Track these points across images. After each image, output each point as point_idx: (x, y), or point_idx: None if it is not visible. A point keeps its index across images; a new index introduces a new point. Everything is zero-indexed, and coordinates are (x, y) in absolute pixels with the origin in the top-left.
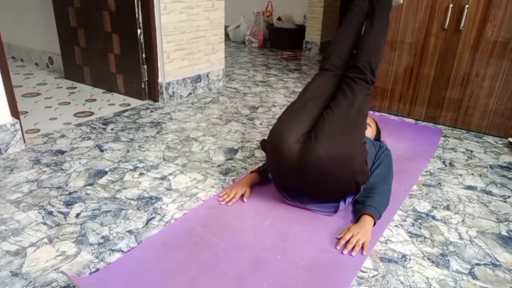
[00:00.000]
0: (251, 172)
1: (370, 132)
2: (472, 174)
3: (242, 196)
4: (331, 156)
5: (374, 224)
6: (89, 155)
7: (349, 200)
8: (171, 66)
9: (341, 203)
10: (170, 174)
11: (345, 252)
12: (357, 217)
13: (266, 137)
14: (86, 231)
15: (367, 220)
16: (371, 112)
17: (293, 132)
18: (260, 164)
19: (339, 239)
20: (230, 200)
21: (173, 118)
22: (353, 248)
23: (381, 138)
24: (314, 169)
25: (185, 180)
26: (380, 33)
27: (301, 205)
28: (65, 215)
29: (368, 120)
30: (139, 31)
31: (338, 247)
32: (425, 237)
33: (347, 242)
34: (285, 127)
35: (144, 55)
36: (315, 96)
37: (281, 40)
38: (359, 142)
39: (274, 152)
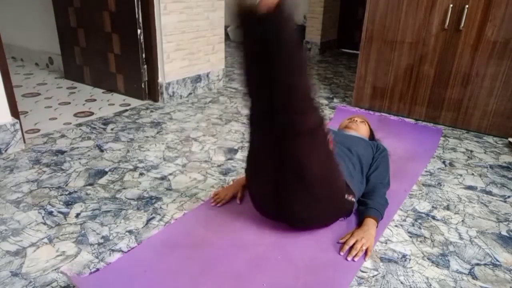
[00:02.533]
0: None
1: (364, 132)
2: (472, 174)
3: (236, 197)
4: (306, 217)
5: (377, 226)
6: (89, 155)
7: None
8: (171, 66)
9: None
10: (170, 174)
11: (349, 258)
12: (360, 220)
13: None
14: (86, 231)
15: (371, 224)
16: (371, 113)
17: (261, 195)
18: None
19: (343, 243)
20: (220, 202)
21: (173, 118)
22: (356, 254)
23: (375, 138)
24: (292, 223)
25: (185, 180)
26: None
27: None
28: (65, 215)
29: (362, 119)
30: (139, 31)
31: (342, 253)
32: (425, 237)
33: (351, 247)
34: (252, 189)
35: (144, 55)
36: (263, 164)
37: None
38: (335, 197)
39: (251, 199)
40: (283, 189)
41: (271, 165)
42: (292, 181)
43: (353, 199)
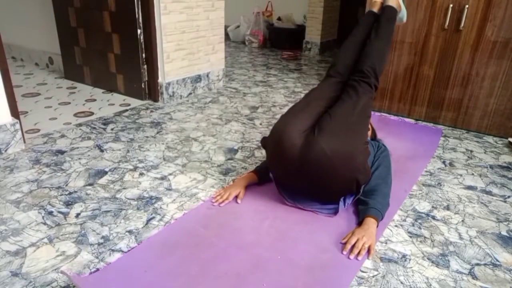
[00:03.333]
0: (249, 172)
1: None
2: (472, 174)
3: (236, 197)
4: (334, 152)
5: (377, 226)
6: (89, 155)
7: (348, 201)
8: (171, 66)
9: (341, 205)
10: (170, 174)
11: (352, 256)
12: (360, 220)
13: (267, 136)
14: (86, 231)
15: (371, 223)
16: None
17: (296, 127)
18: (259, 164)
19: (345, 243)
20: (223, 202)
21: (173, 118)
22: (359, 252)
23: (377, 137)
24: (316, 164)
25: (185, 180)
26: (385, 41)
27: (301, 207)
28: (65, 215)
29: None
30: (139, 31)
31: (345, 252)
32: (425, 237)
33: (353, 246)
34: (288, 122)
35: (144, 55)
36: (319, 97)
37: (281, 40)
38: (361, 141)
39: (276, 147)
40: (324, 120)
41: (323, 102)
42: (338, 113)
43: (369, 172)
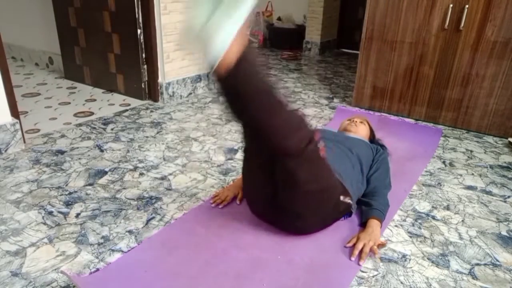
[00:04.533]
0: None
1: (364, 133)
2: (472, 174)
3: (236, 198)
4: (302, 223)
5: (381, 227)
6: (89, 155)
7: (348, 216)
8: (171, 66)
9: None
10: (170, 174)
11: (361, 262)
12: (363, 220)
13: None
14: (86, 231)
15: (375, 225)
16: (371, 113)
17: (256, 202)
18: None
19: (351, 248)
20: (221, 203)
21: (173, 118)
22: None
23: (376, 138)
24: (288, 229)
25: (185, 180)
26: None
27: None
28: (65, 215)
29: (361, 120)
30: (139, 31)
31: (353, 258)
32: (425, 237)
33: (361, 251)
34: (248, 196)
35: (144, 55)
36: (258, 177)
37: (281, 40)
38: (330, 202)
39: (247, 203)
40: (277, 198)
41: (264, 176)
42: (285, 191)
43: (349, 201)
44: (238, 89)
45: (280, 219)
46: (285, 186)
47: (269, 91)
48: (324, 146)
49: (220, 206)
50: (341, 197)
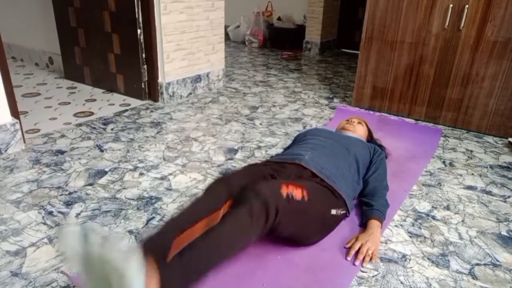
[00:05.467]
0: None
1: (361, 133)
2: (472, 174)
3: None
4: (295, 240)
5: (381, 227)
6: (89, 155)
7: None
8: (171, 66)
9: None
10: (170, 174)
11: (357, 263)
12: (364, 221)
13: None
14: None
15: (375, 227)
16: (371, 113)
17: None
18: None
19: (349, 249)
20: None
21: (173, 118)
22: (363, 258)
23: (373, 138)
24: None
25: (185, 180)
26: None
27: None
28: (65, 215)
29: (359, 120)
30: (139, 31)
31: (349, 258)
32: (425, 237)
33: (358, 252)
34: None
35: (144, 55)
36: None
37: (281, 40)
38: (321, 222)
39: None
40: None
41: None
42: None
43: (342, 212)
44: None
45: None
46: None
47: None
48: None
49: None
50: (333, 211)
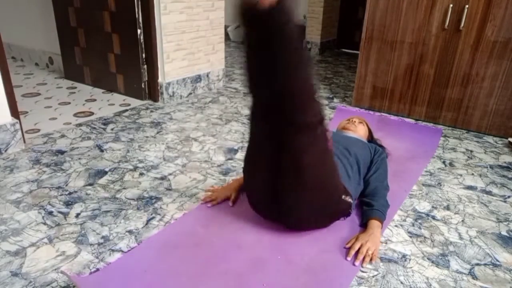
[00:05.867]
0: None
1: (362, 133)
2: (472, 174)
3: (228, 199)
4: (303, 218)
5: (382, 227)
6: (89, 155)
7: (346, 216)
8: (171, 66)
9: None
10: (170, 174)
11: (357, 263)
12: (364, 221)
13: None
14: (86, 231)
15: (375, 227)
16: (371, 113)
17: (258, 194)
18: None
19: (349, 249)
20: (211, 202)
21: (173, 118)
22: (363, 258)
23: (374, 138)
24: (289, 225)
25: (185, 180)
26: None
27: None
28: (65, 215)
29: (360, 120)
30: (139, 31)
31: (349, 258)
32: (425, 237)
33: (357, 252)
34: (250, 188)
35: (144, 55)
36: (262, 160)
37: None
38: (332, 197)
39: (248, 200)
40: (281, 186)
41: (270, 161)
42: (290, 177)
43: (350, 200)
44: (275, 28)
45: (281, 214)
46: (290, 176)
47: (301, 43)
48: (331, 139)
49: (208, 205)
50: (343, 196)
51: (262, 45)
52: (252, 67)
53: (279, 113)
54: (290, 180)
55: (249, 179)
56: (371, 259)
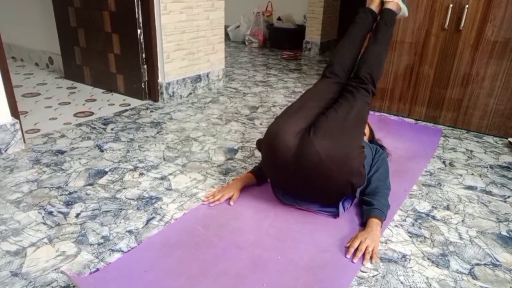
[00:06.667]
0: (247, 173)
1: (365, 133)
2: (472, 174)
3: (230, 199)
4: (329, 155)
5: (381, 226)
6: (89, 155)
7: (347, 206)
8: (171, 66)
9: (340, 209)
10: (170, 174)
11: (355, 260)
12: (364, 220)
13: (262, 138)
14: (86, 231)
15: (375, 225)
16: (371, 113)
17: (291, 128)
18: (258, 164)
19: (349, 247)
20: (213, 202)
21: (173, 118)
22: (364, 256)
23: (375, 138)
24: (310, 167)
25: (185, 180)
26: (383, 47)
27: (299, 207)
28: (65, 215)
29: None
30: (139, 31)
31: (348, 256)
32: (425, 237)
33: (356, 249)
34: (282, 124)
35: (144, 55)
36: (315, 98)
37: (281, 40)
38: (357, 145)
39: (270, 149)
40: (320, 121)
41: (319, 104)
42: (334, 115)
43: (363, 172)
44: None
45: (306, 155)
46: (340, 108)
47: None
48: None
49: (211, 205)
50: (362, 163)
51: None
52: (353, 40)
53: (356, 71)
54: (335, 113)
55: (288, 113)
56: (371, 257)
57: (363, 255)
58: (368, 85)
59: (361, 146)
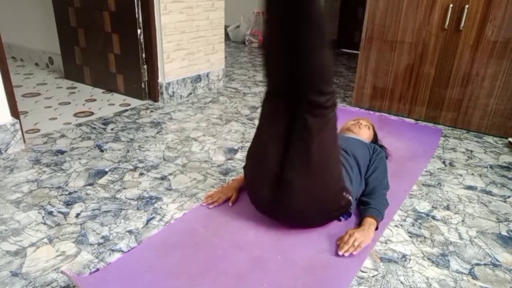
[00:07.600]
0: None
1: (365, 136)
2: (472, 174)
3: (229, 200)
4: (303, 210)
5: (377, 227)
6: (89, 155)
7: (346, 216)
8: (171, 66)
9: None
10: (170, 174)
11: (340, 252)
12: (360, 219)
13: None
14: (86, 231)
15: (367, 224)
16: (371, 113)
17: (261, 179)
18: None
19: (339, 244)
20: (212, 203)
21: (173, 118)
22: (349, 249)
23: (378, 141)
24: (288, 218)
25: (185, 180)
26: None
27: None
28: (65, 215)
29: (367, 123)
30: (139, 31)
31: (340, 252)
32: (425, 237)
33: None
34: (253, 174)
35: (144, 55)
36: (271, 140)
37: None
38: (333, 188)
39: (248, 191)
40: (287, 167)
41: (280, 141)
42: (297, 158)
43: (350, 198)
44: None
45: (282, 206)
46: (297, 154)
47: (324, 19)
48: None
49: (210, 206)
50: (344, 193)
51: (287, 18)
52: (273, 39)
53: (297, 90)
54: (297, 161)
55: (253, 166)
56: (355, 249)
57: (349, 248)
58: (322, 105)
59: (341, 189)
